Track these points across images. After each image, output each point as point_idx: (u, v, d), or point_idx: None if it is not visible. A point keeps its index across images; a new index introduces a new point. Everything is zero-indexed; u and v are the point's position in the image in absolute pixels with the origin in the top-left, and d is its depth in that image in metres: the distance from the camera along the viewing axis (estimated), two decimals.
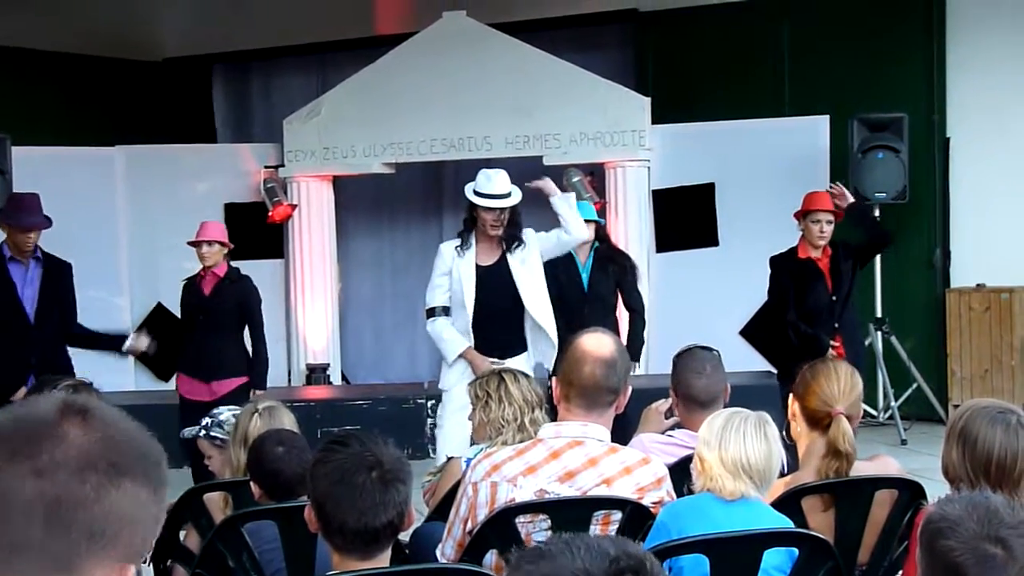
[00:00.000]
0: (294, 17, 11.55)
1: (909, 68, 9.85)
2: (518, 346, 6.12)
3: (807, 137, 9.75)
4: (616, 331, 6.68)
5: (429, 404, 8.72)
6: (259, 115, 12.24)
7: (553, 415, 3.55)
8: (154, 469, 1.32)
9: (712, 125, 9.98)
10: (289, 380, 10.53)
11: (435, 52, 10.11)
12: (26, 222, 6.52)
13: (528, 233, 6.19)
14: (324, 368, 10.48)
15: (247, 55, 12.10)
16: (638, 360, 7.37)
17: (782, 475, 3.40)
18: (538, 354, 6.18)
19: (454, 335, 6.07)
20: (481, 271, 6.09)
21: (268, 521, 3.34)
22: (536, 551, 1.37)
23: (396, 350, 11.58)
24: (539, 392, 4.24)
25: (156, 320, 10.23)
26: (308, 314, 10.59)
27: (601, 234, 7.41)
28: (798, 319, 6.90)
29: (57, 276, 6.63)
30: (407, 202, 11.41)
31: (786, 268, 7.02)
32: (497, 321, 6.06)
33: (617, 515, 3.13)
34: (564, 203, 6.22)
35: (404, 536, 3.16)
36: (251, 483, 3.55)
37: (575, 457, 3.17)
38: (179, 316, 7.44)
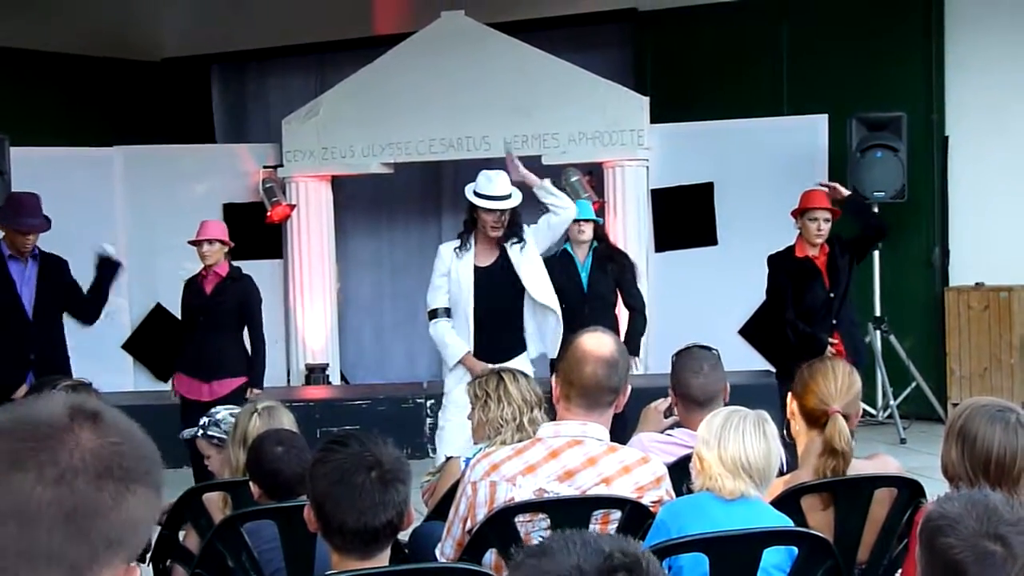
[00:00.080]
0: (293, 17, 11.55)
1: (908, 67, 9.85)
2: (517, 347, 6.11)
3: (806, 136, 9.75)
4: (616, 330, 6.69)
5: (428, 404, 8.72)
6: (258, 115, 12.23)
7: (552, 414, 3.55)
8: (157, 471, 1.33)
9: (711, 124, 9.97)
10: (288, 380, 10.53)
11: (434, 52, 10.11)
12: (25, 224, 6.51)
13: (524, 229, 6.17)
14: (323, 368, 10.47)
15: (246, 55, 12.10)
16: (638, 354, 7.37)
17: (781, 474, 3.40)
18: (544, 343, 6.14)
19: (455, 339, 6.07)
20: (479, 272, 6.08)
21: (267, 521, 3.34)
22: (537, 547, 1.38)
23: (395, 350, 11.59)
24: (538, 392, 4.23)
25: (155, 320, 10.22)
26: (307, 314, 10.59)
27: (600, 233, 7.43)
28: (796, 318, 6.90)
29: (55, 273, 6.64)
30: (406, 202, 11.41)
31: (784, 267, 7.02)
32: (496, 322, 6.06)
33: (616, 514, 3.13)
34: (544, 190, 6.20)
35: (403, 536, 3.16)
36: (250, 483, 3.55)
37: (574, 456, 3.17)
38: (178, 316, 7.44)
